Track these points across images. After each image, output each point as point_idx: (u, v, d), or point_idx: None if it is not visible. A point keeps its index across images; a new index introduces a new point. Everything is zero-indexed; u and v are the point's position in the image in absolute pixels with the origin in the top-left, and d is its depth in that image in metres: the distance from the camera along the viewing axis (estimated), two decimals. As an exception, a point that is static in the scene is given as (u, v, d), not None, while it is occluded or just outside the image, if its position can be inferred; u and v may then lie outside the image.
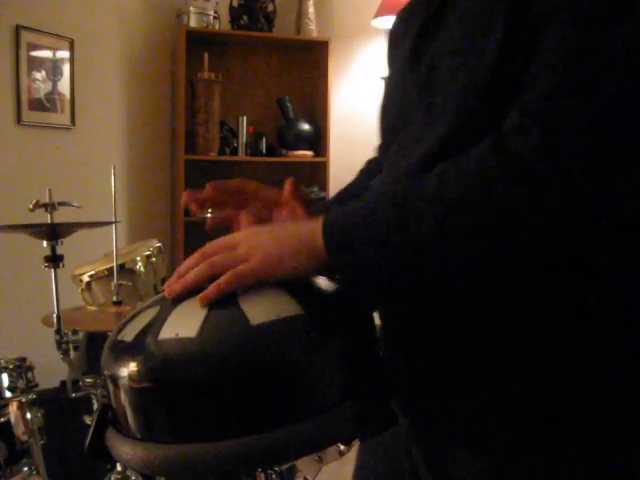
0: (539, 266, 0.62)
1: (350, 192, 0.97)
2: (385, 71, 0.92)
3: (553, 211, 0.56)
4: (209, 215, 0.86)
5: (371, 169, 0.97)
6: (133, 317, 0.64)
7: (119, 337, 0.62)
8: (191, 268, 0.65)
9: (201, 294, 0.61)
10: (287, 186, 0.82)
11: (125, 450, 0.59)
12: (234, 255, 0.64)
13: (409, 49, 0.77)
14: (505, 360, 0.64)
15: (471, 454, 0.68)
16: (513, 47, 0.60)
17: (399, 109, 0.79)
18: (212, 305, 0.60)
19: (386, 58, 0.95)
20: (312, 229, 0.64)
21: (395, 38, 0.89)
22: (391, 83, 0.86)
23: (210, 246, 0.67)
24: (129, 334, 0.61)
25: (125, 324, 0.64)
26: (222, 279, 0.61)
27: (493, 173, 0.57)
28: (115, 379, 0.59)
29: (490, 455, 0.66)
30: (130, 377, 0.57)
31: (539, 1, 0.58)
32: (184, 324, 0.59)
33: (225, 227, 0.84)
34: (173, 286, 0.64)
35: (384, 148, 0.84)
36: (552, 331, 0.63)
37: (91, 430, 0.63)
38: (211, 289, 0.61)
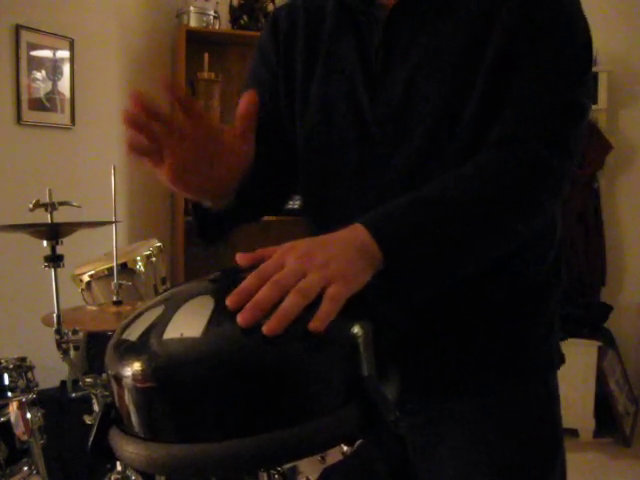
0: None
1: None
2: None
3: (557, 189, 0.84)
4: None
5: None
6: (137, 317, 0.64)
7: (123, 336, 0.62)
8: (255, 291, 0.59)
9: (315, 323, 0.57)
10: (246, 98, 0.74)
11: (129, 449, 0.59)
12: (312, 281, 0.61)
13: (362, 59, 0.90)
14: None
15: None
16: (499, 69, 0.82)
17: (348, 123, 0.90)
18: (216, 305, 0.60)
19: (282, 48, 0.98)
20: (361, 239, 0.69)
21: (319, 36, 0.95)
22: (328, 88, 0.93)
23: (281, 274, 0.61)
24: (133, 334, 0.61)
25: (129, 323, 0.63)
26: (325, 308, 0.58)
27: (512, 168, 0.80)
28: (119, 379, 0.59)
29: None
30: (134, 377, 0.57)
31: (521, 43, 0.82)
32: (189, 324, 0.59)
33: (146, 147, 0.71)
34: (246, 314, 0.57)
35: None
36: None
37: (94, 429, 0.63)
38: (322, 317, 0.57)
